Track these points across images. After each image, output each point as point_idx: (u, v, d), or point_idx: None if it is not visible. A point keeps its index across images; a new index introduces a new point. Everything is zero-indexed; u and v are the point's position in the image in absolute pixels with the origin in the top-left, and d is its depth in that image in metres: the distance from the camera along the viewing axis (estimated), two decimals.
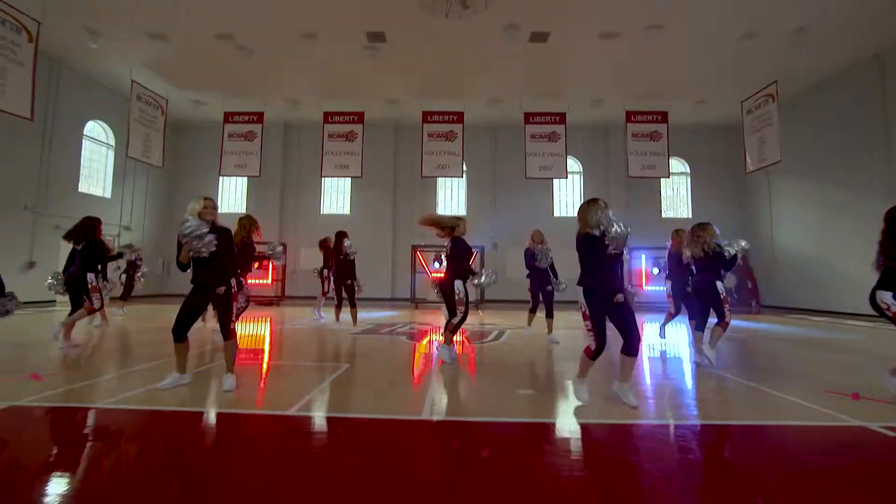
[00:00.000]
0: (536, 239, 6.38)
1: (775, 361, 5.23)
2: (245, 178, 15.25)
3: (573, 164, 15.27)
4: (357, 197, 15.56)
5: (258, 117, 12.79)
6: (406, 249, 14.16)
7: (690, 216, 15.48)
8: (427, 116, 12.40)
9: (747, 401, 3.48)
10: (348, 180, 15.22)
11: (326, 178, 14.65)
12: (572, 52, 10.60)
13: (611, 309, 3.12)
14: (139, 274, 8.82)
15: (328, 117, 12.54)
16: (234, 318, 3.66)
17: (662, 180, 14.82)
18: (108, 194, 13.21)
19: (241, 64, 11.21)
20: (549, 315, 6.24)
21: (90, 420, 2.82)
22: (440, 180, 15.36)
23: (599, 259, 3.16)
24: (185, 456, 2.33)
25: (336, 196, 15.93)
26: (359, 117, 12.50)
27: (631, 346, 3.12)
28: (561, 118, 12.36)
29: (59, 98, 11.26)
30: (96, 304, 5.31)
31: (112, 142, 13.31)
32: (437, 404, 3.25)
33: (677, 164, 15.38)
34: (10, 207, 10.14)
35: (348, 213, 15.52)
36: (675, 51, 10.37)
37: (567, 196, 15.84)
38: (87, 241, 5.34)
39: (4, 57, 7.93)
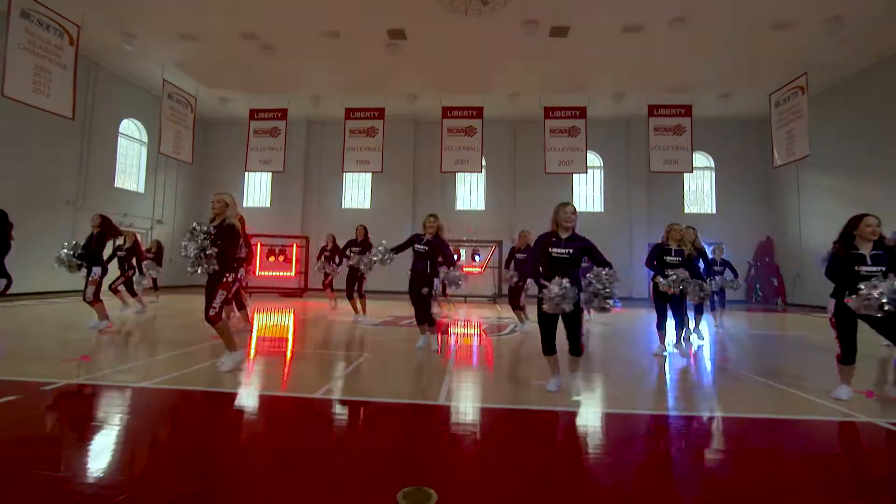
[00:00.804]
0: (524, 238, 7.05)
1: (783, 359, 5.21)
2: (269, 173, 15.68)
3: (593, 159, 15.14)
4: (377, 191, 15.81)
5: (282, 114, 13.14)
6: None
7: (714, 211, 15.19)
8: (447, 111, 12.51)
9: (759, 396, 3.52)
10: (368, 175, 15.47)
11: (347, 173, 14.94)
12: (593, 47, 10.51)
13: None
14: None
15: (349, 113, 12.78)
16: (215, 305, 3.69)
17: (686, 175, 14.56)
18: (141, 189, 13.82)
19: (265, 62, 11.55)
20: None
21: (135, 397, 3.10)
22: (459, 175, 15.46)
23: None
24: (217, 429, 2.56)
25: (357, 190, 16.22)
26: (379, 113, 12.70)
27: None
28: (581, 112, 12.29)
29: (96, 98, 11.83)
30: (88, 295, 5.57)
31: (145, 139, 13.90)
32: (453, 391, 3.42)
33: (701, 159, 15.07)
34: (53, 202, 10.76)
35: (368, 207, 15.80)
36: (699, 43, 10.17)
37: (587, 191, 15.72)
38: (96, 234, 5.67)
39: (48, 60, 8.42)
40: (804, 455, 2.38)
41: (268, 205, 16.15)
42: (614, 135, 15.13)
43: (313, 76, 12.61)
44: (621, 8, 9.05)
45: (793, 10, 8.92)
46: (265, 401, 3.15)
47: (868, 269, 3.10)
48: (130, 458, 2.12)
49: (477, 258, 13.83)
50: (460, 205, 15.86)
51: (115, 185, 12.81)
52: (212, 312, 3.67)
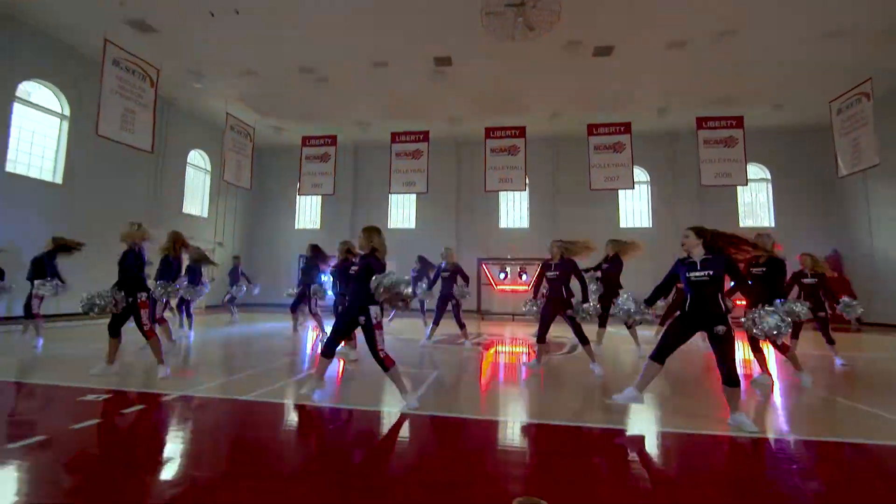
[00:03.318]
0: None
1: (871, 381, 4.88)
2: (319, 196, 16.45)
3: (640, 174, 14.88)
4: (421, 211, 16.20)
5: (332, 140, 13.83)
6: (471, 262, 14.50)
7: (773, 224, 14.46)
8: (490, 132, 12.74)
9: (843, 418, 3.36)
10: (413, 195, 15.90)
11: (393, 194, 15.44)
12: (637, 64, 10.50)
13: None
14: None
15: (395, 137, 13.27)
16: (145, 323, 4.39)
17: (739, 188, 14.01)
18: (205, 214, 14.87)
19: (318, 93, 12.29)
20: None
21: (234, 408, 3.38)
22: (502, 194, 15.61)
23: None
24: (304, 437, 2.76)
25: (402, 211, 16.68)
26: (424, 136, 13.11)
27: None
28: (626, 128, 12.17)
29: (168, 132, 12.96)
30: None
31: (209, 167, 15.01)
32: (517, 407, 3.49)
33: (756, 170, 14.48)
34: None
35: (413, 226, 16.19)
36: (748, 55, 9.94)
37: (634, 207, 15.43)
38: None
39: (133, 101, 9.37)
40: None
41: (318, 226, 16.89)
42: (661, 149, 14.85)
43: (362, 104, 13.26)
44: (665, 25, 9.04)
45: (851, 16, 8.58)
46: (379, 417, 3.35)
47: None
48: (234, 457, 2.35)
49: (524, 276, 13.82)
50: (504, 223, 15.95)
51: (183, 210, 13.87)
52: (145, 328, 4.36)
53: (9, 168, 9.39)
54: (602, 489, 2.18)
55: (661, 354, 3.29)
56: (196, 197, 14.75)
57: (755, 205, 14.93)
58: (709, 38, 9.31)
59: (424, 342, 7.19)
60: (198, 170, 14.81)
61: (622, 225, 15.18)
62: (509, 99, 12.49)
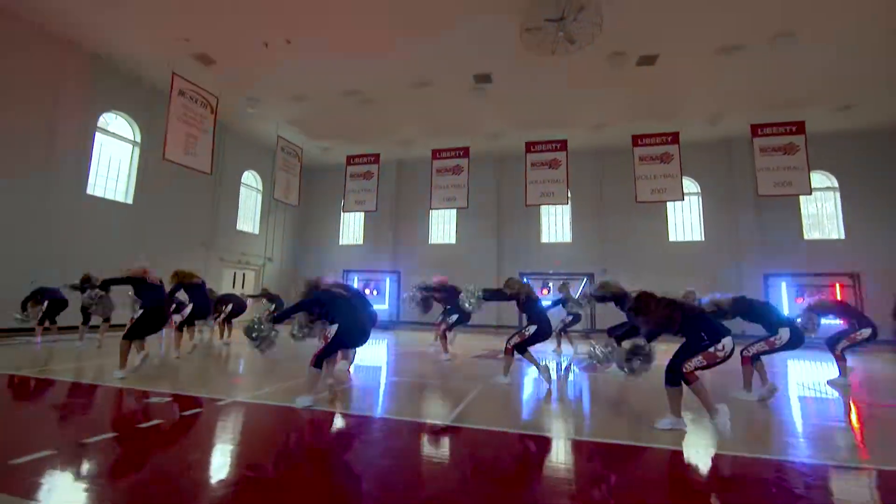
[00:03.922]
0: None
1: None
2: (362, 213, 16.92)
3: (690, 185, 14.25)
4: (462, 226, 16.25)
5: (375, 158, 14.26)
6: (513, 277, 14.32)
7: (843, 236, 13.32)
8: (530, 146, 12.69)
9: None
10: (454, 211, 16.02)
11: (433, 210, 15.62)
12: (685, 71, 10.17)
13: None
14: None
15: (436, 154, 13.50)
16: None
17: (802, 197, 13.08)
18: (256, 230, 15.67)
19: (363, 114, 12.76)
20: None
21: (283, 415, 3.48)
22: (543, 208, 15.41)
23: None
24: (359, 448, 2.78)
25: (443, 226, 16.82)
26: (464, 152, 13.25)
27: None
28: (673, 138, 11.75)
29: (225, 154, 13.86)
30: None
31: (260, 186, 15.87)
32: (567, 425, 3.36)
33: (821, 178, 13.47)
34: (191, 244, 12.62)
35: (454, 242, 16.25)
36: (809, 56, 9.37)
37: (684, 219, 14.75)
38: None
39: (196, 127, 10.13)
40: None
41: (361, 242, 17.34)
42: (712, 159, 14.18)
43: (404, 122, 13.62)
44: (715, 30, 8.71)
45: None
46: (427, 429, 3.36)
47: None
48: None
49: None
50: (545, 237, 15.70)
51: (238, 228, 14.70)
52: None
53: (89, 190, 10.36)
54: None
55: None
56: (249, 214, 15.60)
57: (821, 216, 13.84)
58: (763, 40, 8.87)
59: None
60: (250, 189, 15.70)
61: (671, 238, 14.54)
62: (550, 113, 12.41)
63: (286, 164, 13.82)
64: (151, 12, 8.65)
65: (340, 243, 17.57)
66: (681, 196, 11.89)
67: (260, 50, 9.68)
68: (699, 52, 9.41)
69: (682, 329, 3.47)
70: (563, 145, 12.48)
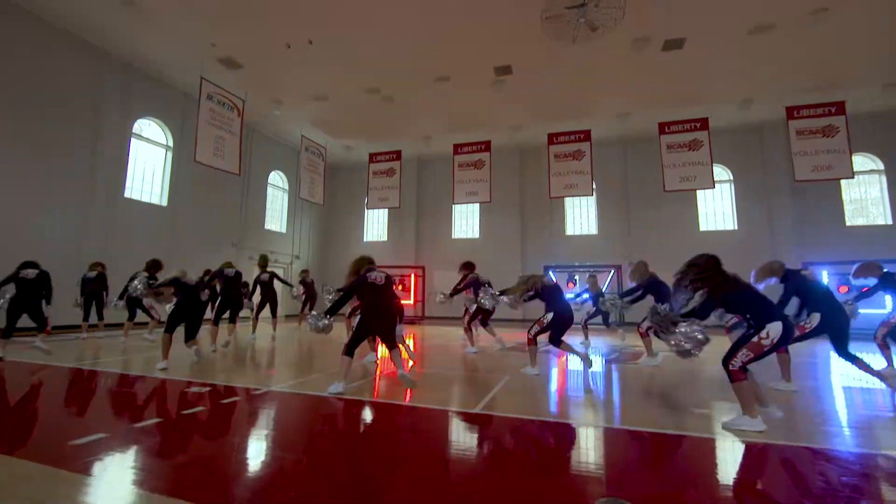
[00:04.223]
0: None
1: None
2: (386, 210, 17.09)
3: (721, 173, 13.78)
4: (485, 221, 16.21)
5: (397, 155, 14.36)
6: (536, 270, 14.21)
7: (890, 220, 12.61)
8: (553, 138, 12.51)
9: None
10: (476, 206, 15.99)
11: (456, 205, 15.64)
12: (713, 55, 9.80)
13: None
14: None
15: (457, 148, 13.47)
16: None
17: (844, 182, 12.46)
18: (283, 229, 16.05)
19: (384, 111, 12.86)
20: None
21: (316, 404, 3.58)
22: (568, 200, 15.20)
23: None
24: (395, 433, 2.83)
25: (466, 221, 16.82)
26: (486, 146, 13.18)
27: None
28: (703, 124, 11.36)
29: (252, 156, 14.24)
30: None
31: (286, 186, 16.23)
32: (603, 413, 3.33)
33: (864, 161, 12.79)
34: (222, 244, 13.04)
35: (478, 236, 16.23)
36: (848, 33, 8.89)
37: (716, 207, 14.27)
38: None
39: (224, 130, 10.43)
40: None
41: (385, 238, 17.52)
42: (744, 145, 13.67)
43: (424, 118, 13.66)
44: (746, 8, 8.36)
45: None
46: (470, 418, 3.40)
47: None
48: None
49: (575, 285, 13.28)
50: (570, 230, 15.49)
51: (266, 227, 15.09)
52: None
53: (126, 194, 10.83)
54: (689, 495, 2.00)
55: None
56: (276, 214, 15.99)
57: (866, 201, 13.14)
58: (800, 18, 8.47)
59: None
60: (277, 189, 16.07)
61: (702, 227, 14.10)
62: (573, 103, 12.21)
63: (310, 164, 14.07)
64: (179, 20, 8.96)
65: (364, 240, 17.81)
66: (711, 184, 11.49)
67: (283, 51, 9.88)
68: (729, 33, 9.06)
69: (732, 305, 3.14)
70: (586, 136, 12.25)
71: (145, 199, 11.40)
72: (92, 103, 10.00)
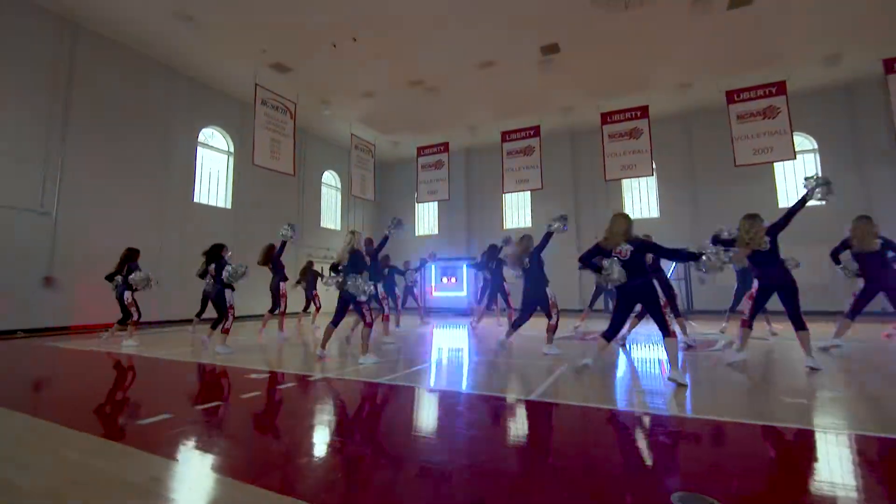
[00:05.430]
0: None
1: None
2: (436, 203, 17.12)
3: (802, 142, 12.38)
4: (537, 209, 15.74)
5: (444, 147, 14.29)
6: None
7: None
8: (606, 117, 11.85)
9: None
10: (527, 194, 15.57)
11: (507, 194, 15.31)
12: (790, 6, 8.73)
13: None
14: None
15: (505, 136, 13.16)
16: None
17: None
18: (338, 227, 16.57)
19: (429, 103, 12.81)
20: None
21: (369, 389, 3.57)
22: (626, 182, 14.39)
23: None
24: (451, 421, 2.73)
25: (517, 210, 16.45)
26: (535, 131, 12.77)
27: None
28: (779, 88, 10.24)
29: (305, 157, 14.79)
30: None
31: (339, 185, 16.72)
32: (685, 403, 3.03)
33: None
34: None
35: (530, 224, 15.80)
36: None
37: (797, 181, 12.83)
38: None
39: (278, 133, 10.89)
40: None
41: (436, 231, 17.57)
42: (831, 108, 12.15)
43: (470, 107, 13.45)
44: None
45: None
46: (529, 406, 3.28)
47: None
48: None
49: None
50: (630, 213, 14.61)
51: (321, 225, 15.64)
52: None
53: (195, 199, 11.65)
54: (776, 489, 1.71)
55: None
56: (331, 212, 16.53)
57: None
58: None
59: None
60: (330, 188, 16.61)
61: (781, 204, 12.75)
62: (627, 77, 11.45)
63: (360, 161, 14.37)
64: (233, 30, 9.42)
65: (416, 234, 17.96)
66: (792, 155, 10.33)
67: (329, 51, 10.09)
68: None
69: None
70: (643, 112, 11.48)
71: (212, 202, 12.20)
72: (164, 118, 10.83)
